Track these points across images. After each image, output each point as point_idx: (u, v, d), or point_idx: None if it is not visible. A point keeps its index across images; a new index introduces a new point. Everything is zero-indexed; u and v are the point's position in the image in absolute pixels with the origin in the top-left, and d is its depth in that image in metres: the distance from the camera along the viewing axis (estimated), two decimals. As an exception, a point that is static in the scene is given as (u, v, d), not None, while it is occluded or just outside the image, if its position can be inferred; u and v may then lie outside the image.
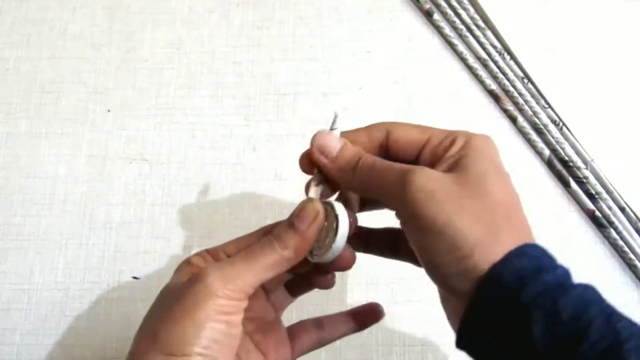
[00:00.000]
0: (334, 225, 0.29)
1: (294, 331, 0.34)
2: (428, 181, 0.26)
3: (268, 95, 0.52)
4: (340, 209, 0.30)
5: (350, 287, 0.45)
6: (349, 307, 0.36)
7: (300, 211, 0.29)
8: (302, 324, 0.35)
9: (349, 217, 0.30)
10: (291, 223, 0.29)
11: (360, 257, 0.47)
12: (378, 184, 0.28)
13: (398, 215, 0.28)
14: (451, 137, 0.28)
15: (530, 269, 0.24)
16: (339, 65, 0.52)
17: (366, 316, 0.35)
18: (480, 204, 0.26)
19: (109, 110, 0.51)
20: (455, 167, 0.27)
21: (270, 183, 0.49)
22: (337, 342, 0.44)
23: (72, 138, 0.51)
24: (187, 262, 0.31)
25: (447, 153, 0.28)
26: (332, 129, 0.32)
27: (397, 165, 0.28)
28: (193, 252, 0.47)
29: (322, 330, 0.35)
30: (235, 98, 0.52)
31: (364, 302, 0.36)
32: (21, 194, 0.49)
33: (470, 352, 0.26)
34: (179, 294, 0.27)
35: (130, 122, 0.51)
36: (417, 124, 0.30)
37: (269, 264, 0.28)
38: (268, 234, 0.29)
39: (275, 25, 0.54)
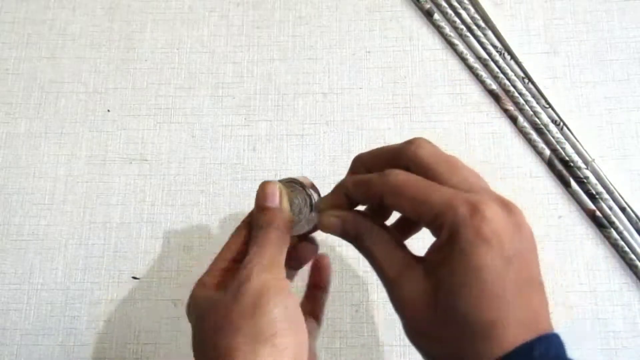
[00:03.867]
0: (306, 200, 0.33)
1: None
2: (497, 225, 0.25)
3: (268, 95, 0.52)
4: (307, 184, 0.33)
5: (350, 287, 0.45)
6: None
7: (262, 194, 0.32)
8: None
9: (315, 191, 0.34)
10: (260, 207, 0.32)
11: (360, 257, 0.46)
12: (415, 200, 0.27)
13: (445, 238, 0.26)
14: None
15: None
16: (339, 65, 0.52)
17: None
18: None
19: (108, 110, 0.51)
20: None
21: (270, 183, 0.49)
22: (337, 343, 0.44)
23: (72, 138, 0.51)
24: (202, 284, 0.32)
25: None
26: None
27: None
28: (193, 252, 0.47)
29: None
30: (235, 98, 0.52)
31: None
32: (21, 194, 0.49)
33: None
34: (237, 295, 0.28)
35: (130, 122, 0.51)
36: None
37: (275, 242, 0.31)
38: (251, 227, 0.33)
39: (275, 25, 0.54)
